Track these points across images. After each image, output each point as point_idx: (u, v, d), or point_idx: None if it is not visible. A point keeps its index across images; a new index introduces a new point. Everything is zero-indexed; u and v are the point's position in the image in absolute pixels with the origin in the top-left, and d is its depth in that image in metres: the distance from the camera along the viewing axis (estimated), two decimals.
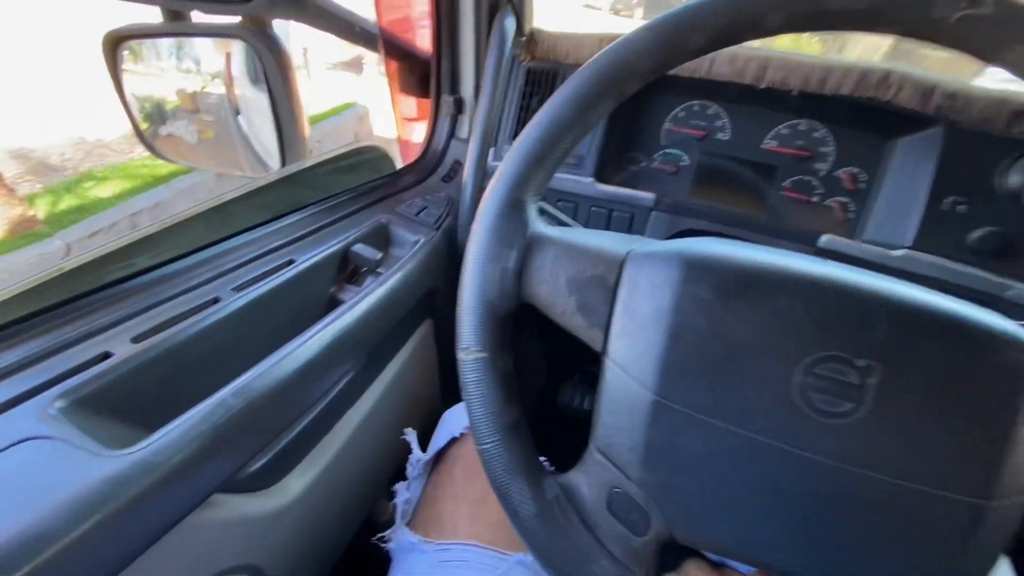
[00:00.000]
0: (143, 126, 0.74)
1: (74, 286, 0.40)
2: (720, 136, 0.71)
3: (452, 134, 0.78)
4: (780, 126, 0.69)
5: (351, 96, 4.79)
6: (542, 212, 0.39)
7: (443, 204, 0.68)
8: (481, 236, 0.34)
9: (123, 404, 0.33)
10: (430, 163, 0.75)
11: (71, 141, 3.95)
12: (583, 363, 1.09)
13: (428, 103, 0.76)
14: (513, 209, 0.34)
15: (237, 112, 0.81)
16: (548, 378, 1.05)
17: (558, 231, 0.35)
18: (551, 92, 0.70)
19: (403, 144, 0.80)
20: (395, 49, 0.72)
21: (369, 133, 4.89)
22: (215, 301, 0.42)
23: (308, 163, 0.63)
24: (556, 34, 0.67)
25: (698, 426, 0.29)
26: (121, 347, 0.36)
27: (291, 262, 0.49)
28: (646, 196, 0.67)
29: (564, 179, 0.68)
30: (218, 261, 0.47)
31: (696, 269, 0.29)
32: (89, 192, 3.47)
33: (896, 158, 0.65)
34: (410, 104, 0.78)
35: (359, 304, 0.48)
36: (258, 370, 0.37)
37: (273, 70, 0.67)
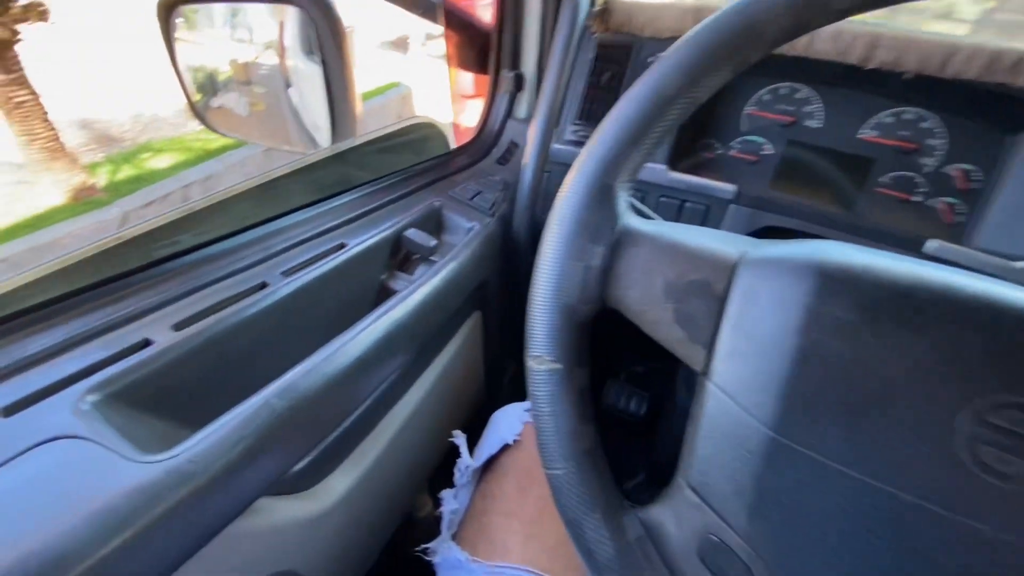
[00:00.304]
0: (195, 97, 0.72)
1: (113, 265, 0.37)
2: (810, 123, 0.63)
3: (509, 113, 0.73)
4: (882, 114, 0.61)
5: (395, 76, 4.79)
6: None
7: (498, 188, 0.63)
8: (562, 228, 0.29)
9: (161, 399, 0.30)
10: (485, 143, 0.70)
11: (131, 114, 4.11)
12: (630, 362, 1.03)
13: (485, 79, 0.71)
14: (601, 197, 0.29)
15: (288, 84, 0.78)
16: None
17: (654, 225, 0.30)
18: (624, 69, 0.64)
19: (457, 123, 0.75)
20: (455, 20, 0.67)
21: (411, 114, 4.88)
22: (263, 286, 0.39)
23: (358, 141, 0.59)
24: (633, 3, 0.60)
25: (827, 475, 0.24)
26: (162, 335, 0.33)
27: (342, 246, 0.45)
28: (726, 187, 0.60)
29: None
30: (267, 242, 0.44)
31: (836, 282, 0.24)
32: (145, 163, 3.60)
33: (1020, 155, 0.56)
34: (467, 80, 0.73)
35: (413, 295, 0.44)
36: (306, 367, 0.33)
37: (328, 40, 0.63)
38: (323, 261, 0.43)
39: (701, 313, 0.27)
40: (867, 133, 0.61)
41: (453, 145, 0.69)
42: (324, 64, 0.62)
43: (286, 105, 0.77)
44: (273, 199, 0.58)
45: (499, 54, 0.68)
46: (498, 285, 0.65)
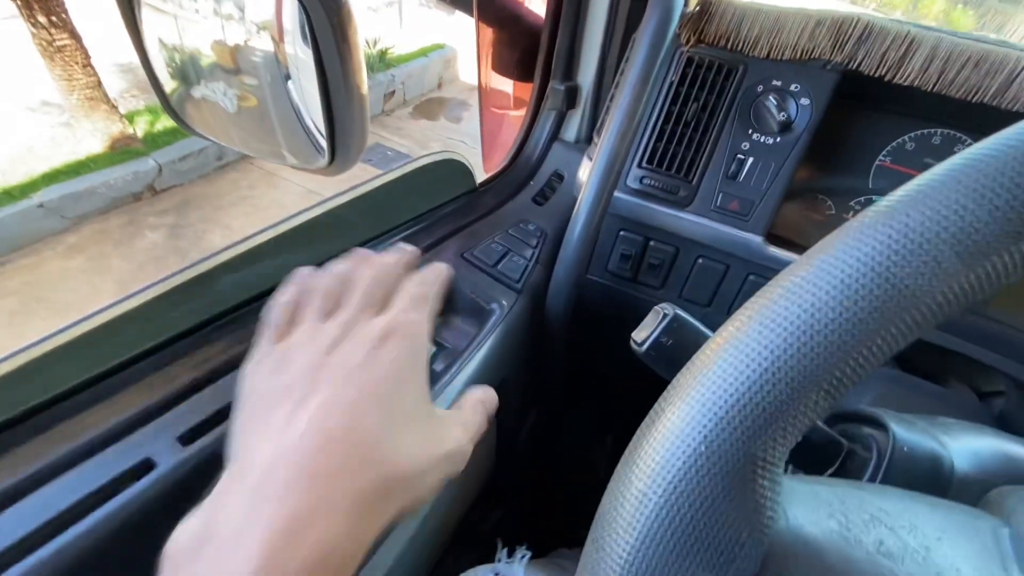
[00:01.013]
0: (170, 85, 0.58)
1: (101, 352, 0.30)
2: None
3: (556, 135, 0.57)
4: None
5: (440, 37, 4.55)
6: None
7: (531, 243, 0.48)
8: (653, 539, 0.15)
9: (161, 535, 0.19)
10: (519, 175, 0.55)
11: None
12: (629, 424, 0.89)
13: (527, 89, 0.55)
14: (739, 480, 0.15)
15: (287, 76, 0.63)
16: (619, 446, 0.86)
17: (828, 524, 0.15)
18: (720, 101, 0.44)
19: (487, 141, 0.60)
20: (492, 10, 0.51)
21: (455, 78, 4.66)
22: None
23: (360, 189, 0.44)
24: (743, 6, 0.43)
25: None
26: (166, 453, 0.28)
27: None
28: None
29: (711, 227, 0.46)
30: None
31: None
32: None
33: None
34: (503, 87, 0.57)
35: None
36: None
37: (324, 27, 0.48)
38: None
39: None
40: None
41: (480, 177, 0.54)
42: (319, 59, 0.47)
43: (284, 102, 0.62)
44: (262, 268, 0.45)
45: (549, 59, 0.52)
46: (520, 383, 0.51)
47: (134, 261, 2.62)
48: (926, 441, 0.25)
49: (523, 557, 0.34)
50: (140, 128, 3.30)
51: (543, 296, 0.46)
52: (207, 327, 0.36)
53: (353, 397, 0.22)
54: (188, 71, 0.60)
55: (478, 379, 0.39)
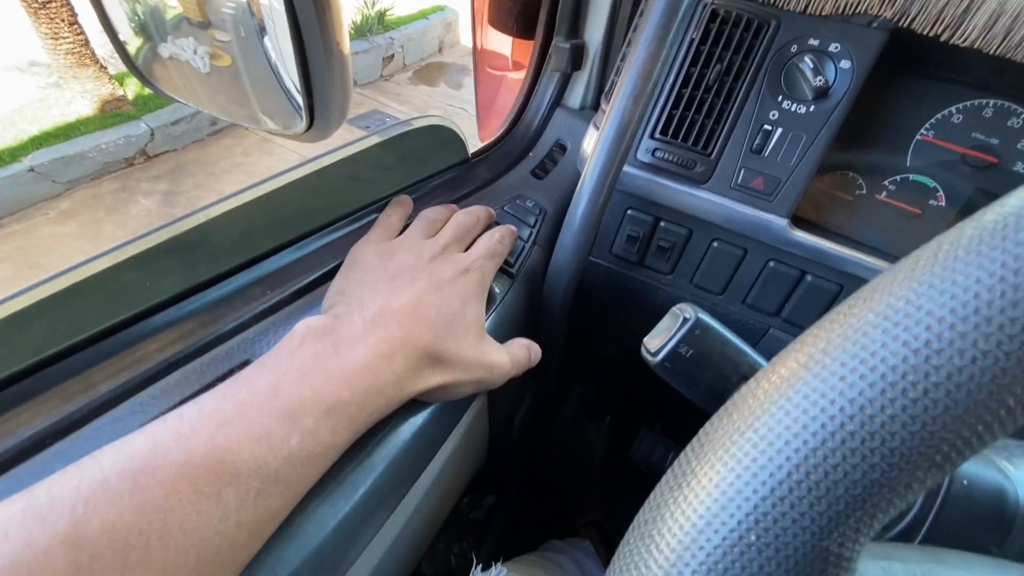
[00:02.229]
0: (133, 43, 0.52)
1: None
2: (1021, 168, 0.41)
3: (559, 100, 0.51)
4: None
5: None
6: None
7: (529, 223, 0.44)
8: None
9: None
10: (517, 145, 0.50)
11: None
12: (660, 415, 0.86)
13: (527, 48, 0.50)
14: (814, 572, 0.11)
15: (263, 31, 0.57)
16: (616, 427, 0.83)
17: None
18: (749, 62, 0.39)
19: (483, 106, 0.54)
20: None
21: (456, 41, 4.48)
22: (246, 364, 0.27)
23: (337, 155, 0.39)
24: None
25: None
26: None
27: None
28: (881, 267, 0.39)
29: (730, 207, 0.42)
30: (236, 306, 0.30)
31: None
32: None
33: None
34: (499, 45, 0.52)
35: (394, 432, 0.29)
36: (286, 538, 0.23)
37: None
38: None
39: None
40: None
41: (475, 146, 0.49)
42: (289, 5, 0.42)
43: (259, 60, 0.56)
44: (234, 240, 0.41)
45: (553, 12, 0.46)
46: (501, 432, 0.48)
47: (127, 228, 2.57)
48: (987, 471, 0.21)
49: (499, 573, 0.31)
50: (131, 90, 3.20)
51: (541, 281, 0.42)
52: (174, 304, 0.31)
53: (439, 299, 0.30)
54: (152, 26, 0.54)
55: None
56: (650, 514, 0.13)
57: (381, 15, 3.64)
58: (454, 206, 0.38)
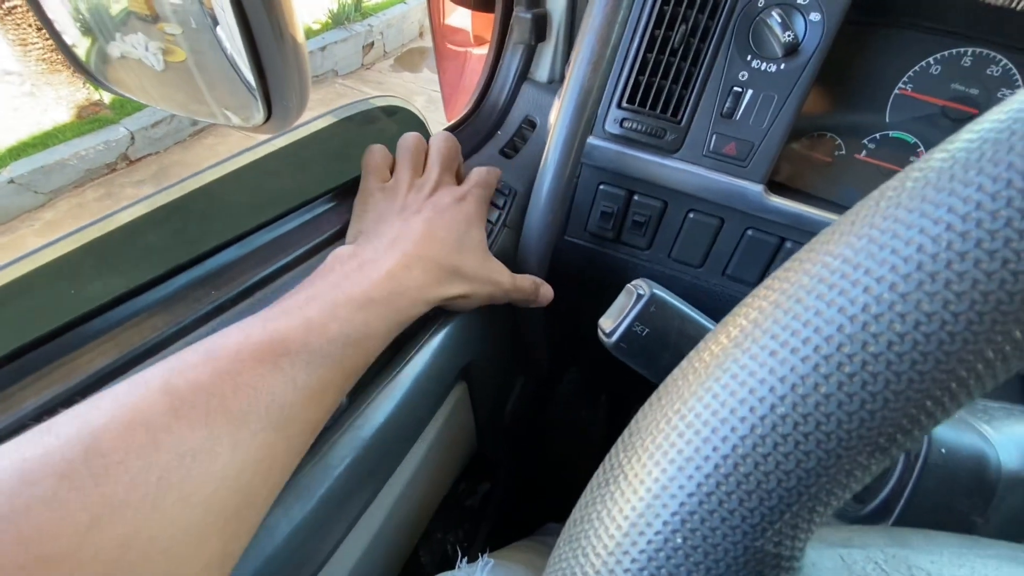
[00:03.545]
0: (81, 45, 0.50)
1: None
2: None
3: (525, 74, 0.49)
4: None
5: None
6: None
7: (498, 204, 0.42)
8: None
9: None
10: (483, 123, 0.48)
11: None
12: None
13: (487, 20, 0.47)
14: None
15: (215, 21, 0.54)
16: (612, 407, 0.83)
17: None
18: (714, 22, 0.37)
19: (448, 86, 0.52)
20: None
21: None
22: None
23: (294, 132, 0.38)
24: None
25: None
26: None
27: None
28: None
29: (703, 176, 0.40)
30: (175, 309, 0.28)
31: None
32: None
33: None
34: (459, 20, 0.49)
35: (365, 422, 0.29)
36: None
37: None
38: None
39: None
40: None
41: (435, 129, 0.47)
42: (235, 6, 0.40)
43: (214, 52, 0.54)
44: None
45: None
46: (500, 356, 0.46)
47: None
48: (966, 437, 0.20)
49: (486, 565, 0.31)
50: (107, 94, 3.13)
51: (512, 264, 0.40)
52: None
53: (445, 221, 0.34)
54: (98, 24, 0.51)
55: (436, 364, 0.34)
56: (579, 514, 0.11)
57: (358, 1, 3.55)
58: (423, 138, 0.40)
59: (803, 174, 0.44)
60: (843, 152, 0.43)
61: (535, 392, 0.75)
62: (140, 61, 0.54)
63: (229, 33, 0.48)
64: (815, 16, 0.36)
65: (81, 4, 0.49)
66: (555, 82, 0.50)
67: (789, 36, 0.35)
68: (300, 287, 0.29)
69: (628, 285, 0.22)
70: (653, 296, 0.21)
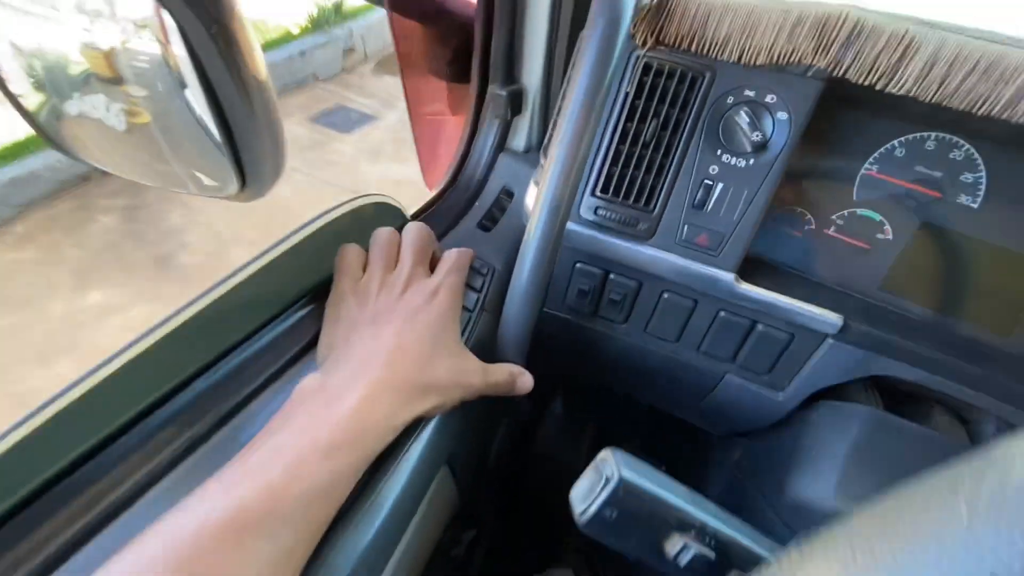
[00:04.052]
0: (32, 98, 0.48)
1: None
2: (964, 200, 0.40)
3: (502, 146, 0.49)
4: None
5: None
6: None
7: (476, 287, 0.42)
8: None
9: None
10: (460, 196, 0.48)
11: None
12: (636, 431, 0.87)
13: (462, 91, 0.47)
14: None
15: (183, 84, 0.53)
16: (595, 446, 0.83)
17: None
18: (686, 115, 0.37)
19: (424, 152, 0.52)
20: (407, 2, 0.42)
21: None
22: None
23: (287, 240, 0.37)
24: (710, 0, 0.35)
25: None
26: None
27: None
28: (827, 318, 0.39)
29: (676, 263, 0.41)
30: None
31: None
32: None
33: None
34: (436, 91, 0.49)
35: (347, 545, 0.29)
36: None
37: (200, 37, 0.39)
38: None
39: None
40: None
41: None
42: (199, 69, 0.38)
43: (184, 116, 0.53)
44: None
45: (486, 60, 0.44)
46: (472, 441, 0.47)
47: (89, 248, 2.48)
48: None
49: None
50: None
51: (491, 352, 0.40)
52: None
53: (418, 330, 0.33)
54: (54, 83, 0.49)
55: (416, 478, 0.34)
56: None
57: (338, 5, 3.50)
58: (397, 233, 0.40)
59: (773, 246, 0.45)
60: (813, 227, 0.44)
61: (518, 435, 0.75)
62: (100, 121, 0.51)
63: (199, 97, 0.47)
64: (782, 115, 0.36)
65: (36, 61, 0.47)
66: (532, 150, 0.50)
67: (757, 136, 0.36)
68: (266, 432, 0.28)
69: (597, 460, 0.23)
70: (622, 481, 0.21)
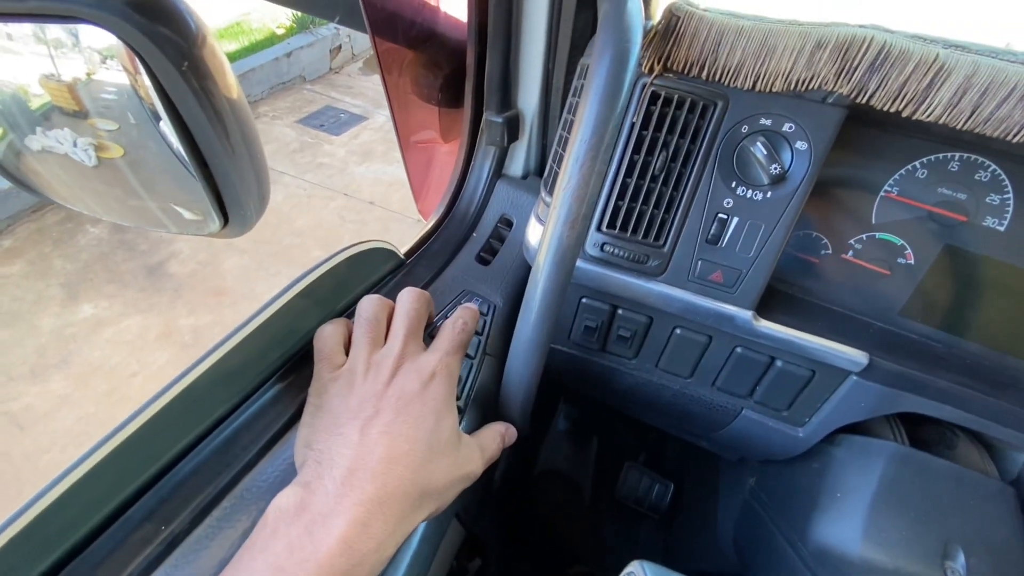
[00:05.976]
0: None
1: None
2: (990, 223, 0.38)
3: (499, 172, 0.47)
4: None
5: None
6: None
7: (478, 328, 0.40)
8: None
9: None
10: (457, 227, 0.45)
11: None
12: (642, 446, 0.85)
13: (456, 117, 0.45)
14: None
15: (158, 117, 0.50)
16: (601, 463, 0.82)
17: None
18: (698, 146, 0.35)
19: (416, 181, 0.49)
20: (393, 27, 0.40)
21: None
22: None
23: (286, 293, 0.35)
24: (722, 22, 0.32)
25: None
26: None
27: None
28: (852, 356, 0.37)
29: (689, 300, 0.38)
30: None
31: None
32: None
33: None
34: (427, 117, 0.46)
35: None
36: None
37: (169, 75, 0.35)
38: None
39: None
40: None
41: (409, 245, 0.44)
42: (170, 108, 0.35)
43: (159, 148, 0.49)
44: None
45: (480, 86, 0.41)
46: (476, 485, 0.44)
47: (78, 260, 2.44)
48: None
49: None
50: None
51: (495, 400, 0.38)
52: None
53: (410, 426, 0.28)
54: (11, 118, 0.45)
55: (425, 551, 0.32)
56: None
57: None
58: (387, 300, 0.34)
59: (790, 275, 0.43)
60: (830, 252, 0.42)
61: (521, 458, 0.73)
62: (67, 156, 0.47)
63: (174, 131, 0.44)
64: (802, 145, 0.34)
65: None
66: (530, 176, 0.48)
67: (775, 168, 0.34)
68: (236, 565, 0.23)
69: (625, 573, 0.21)
70: None
